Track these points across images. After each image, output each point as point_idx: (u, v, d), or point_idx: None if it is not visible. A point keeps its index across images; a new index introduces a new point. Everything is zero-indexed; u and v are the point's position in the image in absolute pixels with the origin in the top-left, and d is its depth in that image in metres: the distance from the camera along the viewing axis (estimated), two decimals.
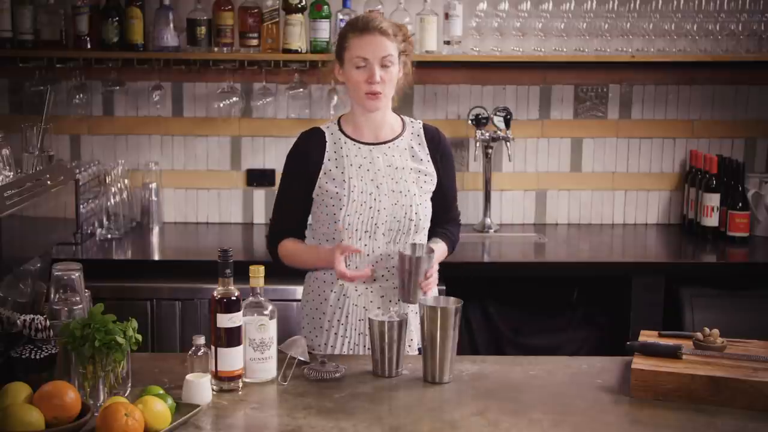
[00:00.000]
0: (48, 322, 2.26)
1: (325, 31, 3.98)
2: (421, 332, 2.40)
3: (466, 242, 3.70)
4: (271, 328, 2.35)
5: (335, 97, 4.12)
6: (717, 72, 4.25)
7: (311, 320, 2.75)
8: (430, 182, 2.73)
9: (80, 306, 2.28)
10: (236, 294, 2.30)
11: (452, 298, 2.44)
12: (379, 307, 2.65)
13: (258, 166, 4.30)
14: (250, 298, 2.36)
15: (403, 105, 2.83)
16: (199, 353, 2.26)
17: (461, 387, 2.35)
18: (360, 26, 2.66)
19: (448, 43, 4.07)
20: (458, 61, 4.11)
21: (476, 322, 3.79)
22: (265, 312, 2.35)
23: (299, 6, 3.99)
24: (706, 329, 2.44)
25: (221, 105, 4.17)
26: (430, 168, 2.73)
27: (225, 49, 4.03)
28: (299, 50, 3.99)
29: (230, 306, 2.28)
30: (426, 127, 2.78)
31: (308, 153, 2.71)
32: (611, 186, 4.38)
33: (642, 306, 3.65)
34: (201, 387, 2.19)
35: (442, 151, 2.77)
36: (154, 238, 4.11)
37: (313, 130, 2.75)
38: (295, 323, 3.09)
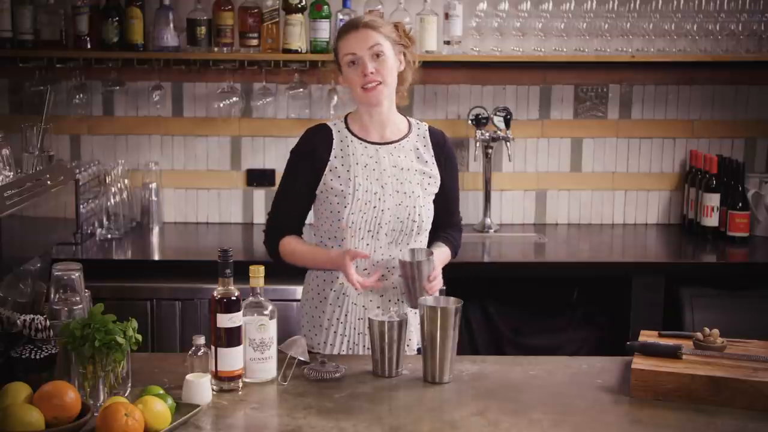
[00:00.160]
0: (48, 322, 2.26)
1: (325, 31, 3.98)
2: (421, 332, 2.40)
3: (466, 242, 3.68)
4: (271, 328, 2.35)
5: (335, 97, 4.12)
6: (717, 72, 4.25)
7: (311, 319, 2.75)
8: (434, 185, 2.73)
9: (80, 306, 2.28)
10: (236, 294, 2.30)
11: (452, 298, 2.44)
12: (378, 306, 2.66)
13: (258, 166, 4.30)
14: (250, 298, 2.36)
15: (404, 105, 2.83)
16: (199, 353, 2.26)
17: (461, 387, 2.35)
18: (345, 27, 2.69)
19: (448, 43, 4.07)
20: (458, 61, 4.11)
21: (476, 322, 3.79)
22: (265, 312, 2.35)
23: (299, 6, 3.99)
24: (706, 329, 2.44)
25: (221, 105, 4.17)
26: (435, 170, 2.73)
27: (225, 49, 4.03)
28: (299, 50, 3.99)
29: (230, 306, 2.28)
30: (431, 130, 2.78)
31: (315, 149, 2.70)
32: (611, 186, 4.38)
33: (642, 306, 3.65)
34: (201, 387, 2.19)
35: (446, 155, 2.76)
36: (154, 238, 4.11)
37: (320, 127, 2.74)
38: (295, 323, 3.09)
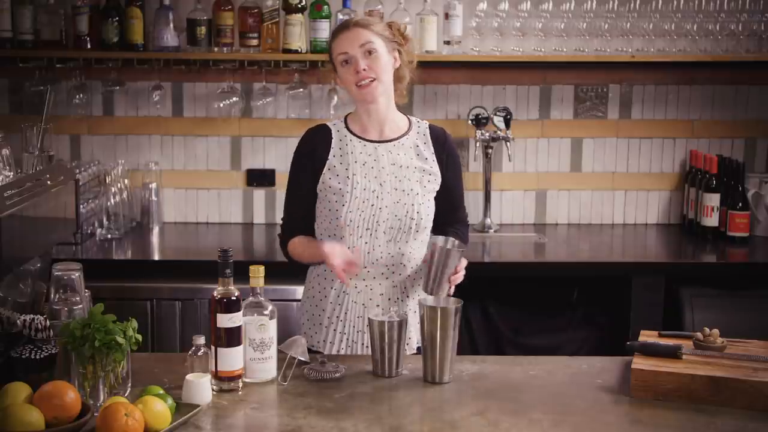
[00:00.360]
0: (48, 322, 2.26)
1: (325, 31, 3.98)
2: (421, 332, 2.40)
3: None
4: (271, 328, 2.35)
5: (335, 97, 4.12)
6: (717, 72, 4.25)
7: (311, 317, 2.76)
8: (434, 182, 2.73)
9: (80, 306, 2.28)
10: (236, 294, 2.30)
11: (452, 298, 2.45)
12: (378, 305, 2.66)
13: (258, 166, 4.30)
14: (250, 298, 2.36)
15: (403, 105, 2.83)
16: (199, 353, 2.26)
17: (461, 387, 2.35)
18: (337, 29, 2.72)
19: (448, 43, 4.07)
20: (458, 61, 4.11)
21: (476, 322, 3.79)
22: (265, 312, 2.35)
23: (299, 6, 3.99)
24: (706, 329, 2.44)
25: (221, 105, 4.17)
26: (435, 168, 2.73)
27: (225, 49, 4.03)
28: (299, 50, 4.00)
29: (230, 306, 2.28)
30: (432, 128, 2.78)
31: (314, 149, 2.72)
32: (611, 186, 4.38)
33: (642, 306, 3.65)
34: (201, 387, 2.19)
35: (448, 152, 2.77)
36: (154, 238, 4.11)
37: (320, 127, 2.76)
38: (295, 323, 3.09)
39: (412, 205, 2.67)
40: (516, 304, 3.82)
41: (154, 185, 4.19)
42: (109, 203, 4.02)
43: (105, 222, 3.99)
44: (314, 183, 2.71)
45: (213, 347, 2.28)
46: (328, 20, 4.00)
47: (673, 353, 2.35)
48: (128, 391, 2.22)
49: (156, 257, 3.94)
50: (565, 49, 4.12)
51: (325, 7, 3.99)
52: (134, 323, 2.20)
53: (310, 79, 4.18)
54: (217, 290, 2.30)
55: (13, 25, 3.96)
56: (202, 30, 4.02)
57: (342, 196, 2.66)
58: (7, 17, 3.94)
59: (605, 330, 3.81)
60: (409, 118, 2.79)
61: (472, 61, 4.12)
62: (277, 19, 4.03)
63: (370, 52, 2.62)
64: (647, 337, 2.51)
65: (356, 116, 2.75)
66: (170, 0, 4.06)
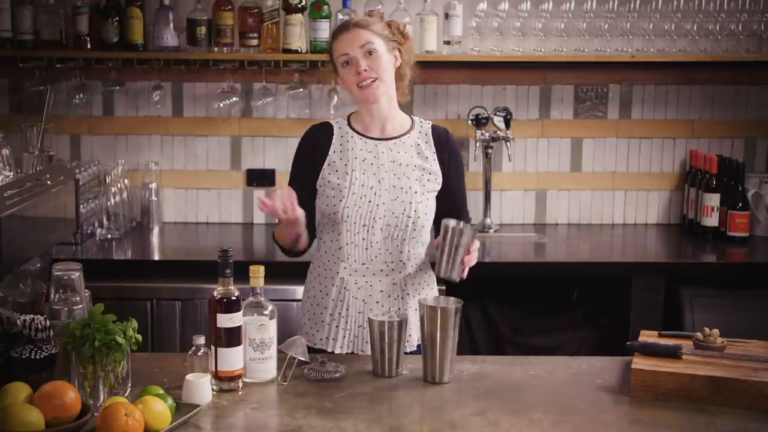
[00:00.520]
0: (48, 322, 2.26)
1: (325, 31, 3.98)
2: (421, 332, 2.40)
3: None
4: (271, 328, 2.35)
5: (335, 97, 4.12)
6: (717, 72, 4.25)
7: (312, 315, 2.76)
8: (434, 181, 2.73)
9: (80, 306, 2.28)
10: (236, 294, 2.30)
11: (452, 298, 2.45)
12: (378, 301, 2.67)
13: (258, 166, 4.30)
14: (250, 298, 2.36)
15: (404, 105, 2.83)
16: (199, 353, 2.26)
17: (461, 387, 2.35)
18: (337, 30, 2.73)
19: (448, 43, 4.07)
20: (458, 61, 4.11)
21: (476, 322, 3.79)
22: (265, 312, 2.35)
23: (299, 6, 3.99)
24: (706, 329, 2.44)
25: (221, 105, 4.17)
26: (435, 167, 2.74)
27: (225, 49, 4.03)
28: (299, 50, 4.00)
29: (230, 306, 2.28)
30: (435, 127, 2.79)
31: (315, 145, 2.74)
32: (611, 186, 4.38)
33: (642, 306, 3.65)
34: (201, 387, 2.19)
35: (450, 152, 2.77)
36: (154, 238, 4.11)
37: (322, 124, 2.79)
38: (295, 323, 3.09)
39: (410, 203, 2.67)
40: (516, 304, 3.82)
41: (154, 185, 4.19)
42: (109, 203, 4.02)
43: (105, 222, 3.99)
44: (314, 179, 2.72)
45: (213, 347, 2.28)
46: (328, 20, 4.00)
47: (673, 353, 2.35)
48: (128, 391, 2.22)
49: (156, 257, 3.94)
50: (565, 49, 4.12)
51: (325, 7, 3.99)
52: (134, 323, 2.20)
53: (310, 79, 4.18)
54: (217, 290, 2.30)
55: (13, 25, 3.96)
56: (202, 30, 4.02)
57: (340, 192, 2.67)
58: (7, 17, 3.94)
59: (605, 330, 3.81)
60: (412, 118, 2.79)
61: (472, 61, 4.12)
62: (277, 19, 4.03)
63: (370, 53, 2.63)
64: (647, 337, 2.51)
65: (359, 115, 2.77)
66: (170, 0, 4.06)
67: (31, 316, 2.27)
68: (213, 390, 2.26)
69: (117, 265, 3.71)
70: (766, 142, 4.35)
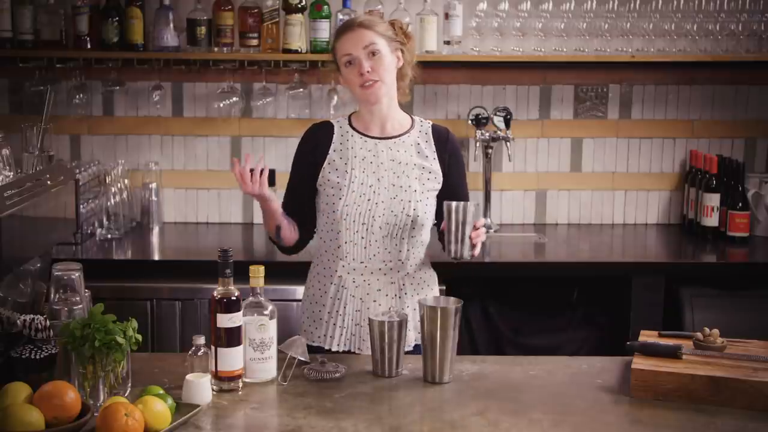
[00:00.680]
0: (48, 322, 2.26)
1: (325, 31, 3.98)
2: (421, 332, 2.40)
3: None
4: (271, 328, 2.35)
5: (335, 97, 4.12)
6: (717, 72, 4.25)
7: (311, 314, 2.77)
8: (434, 180, 2.73)
9: (80, 306, 2.28)
10: (236, 294, 2.30)
11: (452, 298, 2.45)
12: (375, 300, 2.68)
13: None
14: (250, 298, 2.36)
15: (404, 105, 2.83)
16: (199, 353, 2.26)
17: (461, 387, 2.35)
18: (341, 29, 2.73)
19: (448, 43, 4.07)
20: (458, 61, 4.11)
21: (476, 322, 3.79)
22: (265, 312, 2.35)
23: (299, 6, 3.99)
24: (706, 329, 2.44)
25: (221, 105, 4.17)
26: (435, 166, 2.74)
27: (225, 49, 4.03)
28: (299, 50, 4.00)
29: (230, 306, 2.28)
30: (435, 127, 2.79)
31: (316, 144, 2.75)
32: (611, 186, 4.38)
33: (642, 306, 3.65)
34: (201, 387, 2.19)
35: (450, 151, 2.77)
36: (154, 238, 4.11)
37: (323, 123, 2.81)
38: (295, 323, 3.09)
39: (409, 201, 2.67)
40: (516, 304, 3.82)
41: (154, 185, 4.19)
42: (109, 203, 4.02)
43: (105, 222, 3.99)
44: (313, 178, 2.73)
45: (213, 347, 2.28)
46: (328, 20, 4.00)
47: (673, 353, 2.35)
48: (128, 391, 2.22)
49: (156, 257, 3.94)
50: (565, 49, 4.12)
51: (325, 7, 3.99)
52: (134, 323, 2.20)
53: (310, 79, 4.18)
54: (217, 290, 2.30)
55: (13, 25, 3.96)
56: (202, 30, 4.02)
57: (339, 190, 2.68)
58: (7, 17, 3.94)
59: (605, 330, 3.81)
60: (412, 117, 2.80)
61: (472, 61, 4.12)
62: (277, 19, 4.03)
63: (373, 53, 2.64)
64: (647, 337, 2.51)
65: (359, 114, 2.78)
66: (170, 0, 4.06)
67: (31, 316, 2.27)
68: (213, 390, 2.26)
69: (117, 265, 3.71)
70: (766, 142, 4.35)
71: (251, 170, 2.58)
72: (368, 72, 2.63)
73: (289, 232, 2.76)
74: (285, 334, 2.53)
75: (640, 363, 2.31)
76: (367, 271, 2.69)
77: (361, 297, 2.70)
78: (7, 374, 2.16)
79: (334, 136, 2.75)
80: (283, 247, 2.82)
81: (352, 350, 2.69)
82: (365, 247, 2.68)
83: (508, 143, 4.16)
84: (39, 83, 4.05)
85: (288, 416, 2.16)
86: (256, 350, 2.34)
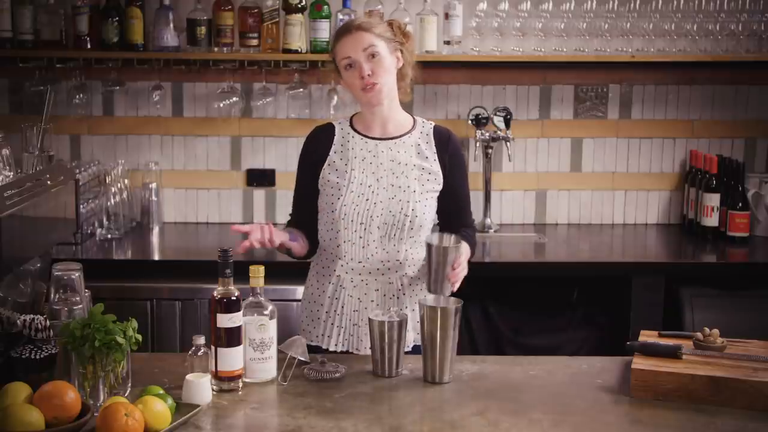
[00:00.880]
0: (48, 322, 2.26)
1: (325, 31, 3.98)
2: (421, 332, 2.40)
3: None
4: (271, 328, 2.35)
5: (335, 97, 4.12)
6: (717, 72, 4.25)
7: (310, 313, 2.77)
8: (434, 181, 2.73)
9: (80, 306, 2.28)
10: (236, 294, 2.30)
11: (452, 298, 2.45)
12: (373, 300, 2.68)
13: (258, 166, 4.30)
14: (250, 298, 2.36)
15: (404, 105, 2.83)
16: (199, 353, 2.26)
17: (461, 387, 2.35)
18: (340, 31, 2.72)
19: (448, 43, 4.07)
20: (458, 61, 4.11)
21: (476, 322, 3.79)
22: (265, 312, 2.35)
23: (299, 6, 3.99)
24: (706, 329, 2.44)
25: (221, 105, 4.17)
26: (436, 167, 2.73)
27: (225, 49, 4.03)
28: (299, 50, 4.00)
29: (230, 306, 2.28)
30: (436, 128, 2.79)
31: (317, 146, 2.76)
32: (611, 186, 4.38)
33: (642, 306, 3.65)
34: (201, 387, 2.20)
35: (451, 152, 2.76)
36: (154, 238, 4.11)
37: (325, 125, 2.82)
38: (295, 323, 3.09)
39: (408, 202, 2.67)
40: (516, 304, 3.82)
41: (154, 185, 4.19)
42: (109, 203, 4.02)
43: (105, 222, 3.99)
44: (315, 179, 2.74)
45: (213, 347, 2.28)
46: (328, 20, 4.00)
47: (673, 353, 2.35)
48: (128, 391, 2.22)
49: (156, 257, 3.94)
50: (565, 49, 4.12)
51: (325, 7, 3.99)
52: (134, 323, 2.20)
53: (310, 79, 4.18)
54: (217, 290, 2.30)
55: (13, 25, 3.96)
56: (202, 30, 4.02)
57: (338, 190, 2.68)
58: (7, 17, 3.94)
59: (605, 330, 3.81)
60: (414, 118, 2.80)
61: (472, 61, 4.12)
62: (277, 19, 4.03)
63: (373, 56, 2.64)
64: (647, 337, 2.51)
65: (361, 115, 2.79)
66: (170, 0, 4.06)
67: (31, 316, 2.27)
68: (213, 390, 2.26)
69: (117, 265, 3.71)
70: (766, 142, 4.35)
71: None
72: (368, 75, 2.63)
73: (300, 248, 2.76)
74: (285, 334, 2.53)
75: (640, 363, 2.31)
76: (365, 271, 2.69)
77: (359, 297, 2.70)
78: (7, 374, 2.17)
79: (335, 137, 2.75)
80: (294, 257, 2.82)
81: (350, 350, 2.69)
82: (363, 247, 2.68)
83: (508, 143, 4.16)
84: (39, 83, 4.05)
85: (288, 416, 2.16)
86: (256, 350, 2.34)
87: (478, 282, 3.61)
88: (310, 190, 2.75)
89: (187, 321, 3.55)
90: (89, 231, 3.91)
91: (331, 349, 2.69)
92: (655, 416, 2.17)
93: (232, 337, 2.28)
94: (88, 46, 4.02)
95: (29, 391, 2.05)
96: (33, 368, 2.19)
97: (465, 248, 2.65)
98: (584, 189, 4.38)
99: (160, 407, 2.05)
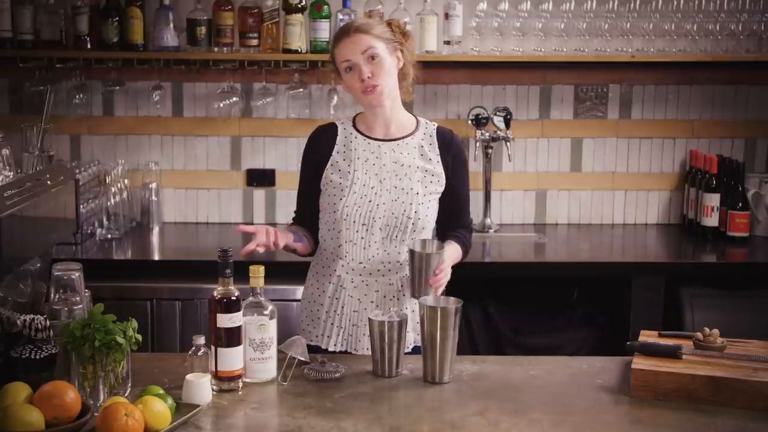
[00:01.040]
0: (48, 322, 2.26)
1: (325, 31, 3.98)
2: (421, 332, 2.40)
3: None
4: (271, 328, 2.35)
5: (335, 97, 4.12)
6: (717, 72, 4.25)
7: (309, 313, 2.77)
8: (437, 183, 2.73)
9: (80, 306, 2.28)
10: (236, 294, 2.30)
11: (452, 298, 2.45)
12: (372, 301, 2.68)
13: (258, 166, 4.30)
14: (250, 298, 2.36)
15: (404, 105, 2.83)
16: (199, 353, 2.27)
17: (461, 387, 2.35)
18: (339, 34, 2.72)
19: (448, 43, 4.07)
20: (458, 61, 4.11)
21: (476, 322, 3.79)
22: (265, 312, 2.35)
23: (299, 6, 3.99)
24: (706, 329, 2.44)
25: (221, 105, 4.17)
26: (439, 169, 2.73)
27: (225, 49, 4.03)
28: (299, 50, 4.00)
29: (230, 306, 2.28)
30: (440, 129, 2.78)
31: (319, 145, 2.76)
32: (611, 186, 4.38)
33: (642, 306, 3.65)
34: (201, 387, 2.20)
35: (453, 154, 2.76)
36: (154, 238, 4.11)
37: (328, 125, 2.81)
38: (295, 323, 3.09)
39: (410, 204, 2.67)
40: (516, 304, 3.82)
41: (154, 185, 4.19)
42: (109, 203, 4.02)
43: (105, 222, 3.99)
44: (317, 179, 2.73)
45: (213, 347, 2.28)
46: (328, 20, 4.00)
47: (673, 353, 2.35)
48: (128, 391, 2.22)
49: (156, 257, 3.94)
50: (565, 49, 4.12)
51: (325, 7, 3.99)
52: (134, 323, 2.20)
53: (310, 79, 4.18)
54: (217, 290, 2.30)
55: (13, 25, 3.96)
56: (202, 30, 4.02)
57: (341, 191, 2.68)
58: (7, 17, 3.94)
59: (605, 330, 3.81)
60: (417, 119, 2.79)
61: (472, 61, 4.12)
62: (277, 19, 4.03)
63: (372, 57, 2.63)
64: (647, 337, 2.51)
65: (363, 116, 2.78)
66: (170, 0, 4.06)
67: (31, 316, 2.27)
68: (213, 390, 2.26)
69: (117, 265, 3.71)
70: (766, 142, 4.35)
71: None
72: (368, 77, 2.62)
73: (304, 248, 2.77)
74: (285, 334, 2.53)
75: (640, 363, 2.31)
76: (366, 272, 2.69)
77: (359, 298, 2.70)
78: (7, 374, 2.17)
79: (338, 137, 2.75)
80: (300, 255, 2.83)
81: (349, 351, 2.69)
82: (365, 248, 2.68)
83: (508, 143, 4.16)
84: (39, 83, 4.05)
85: (288, 416, 2.16)
86: (256, 350, 2.34)
87: (478, 282, 3.62)
88: (313, 190, 2.75)
89: (187, 321, 3.55)
90: (89, 231, 3.91)
91: (331, 349, 2.69)
92: (655, 416, 2.17)
93: (232, 337, 2.28)
94: (88, 46, 4.02)
95: (29, 391, 2.05)
96: (33, 368, 2.19)
97: (449, 254, 2.66)
98: (584, 189, 4.38)
99: (160, 407, 2.05)
